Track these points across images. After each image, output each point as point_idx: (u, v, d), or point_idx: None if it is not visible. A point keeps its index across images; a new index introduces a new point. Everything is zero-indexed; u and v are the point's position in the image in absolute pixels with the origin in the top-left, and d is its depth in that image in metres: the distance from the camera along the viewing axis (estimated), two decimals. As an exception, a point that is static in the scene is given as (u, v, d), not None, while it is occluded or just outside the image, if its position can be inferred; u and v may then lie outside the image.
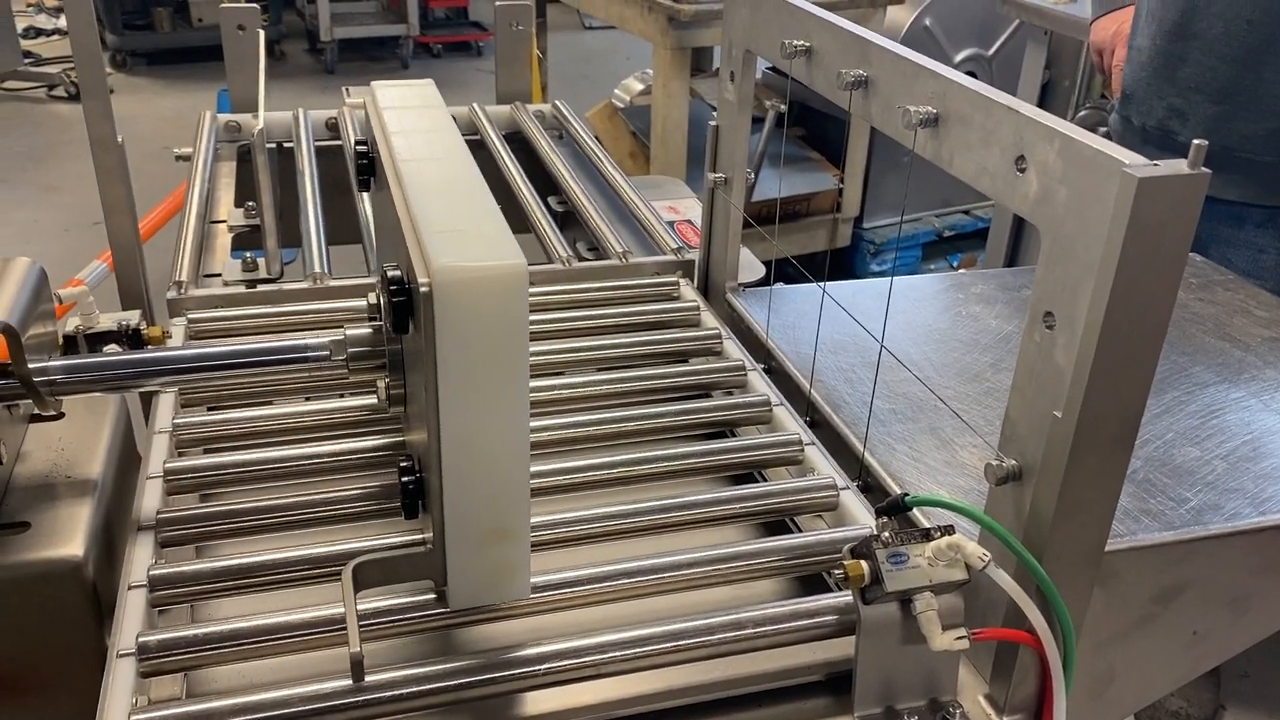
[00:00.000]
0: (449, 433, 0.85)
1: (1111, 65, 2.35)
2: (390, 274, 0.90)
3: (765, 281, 1.77)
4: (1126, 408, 0.85)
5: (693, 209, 2.19)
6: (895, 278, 1.62)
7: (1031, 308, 0.89)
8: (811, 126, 4.89)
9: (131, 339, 1.27)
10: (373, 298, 1.10)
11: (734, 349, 1.44)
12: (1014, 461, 0.93)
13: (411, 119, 1.13)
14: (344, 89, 2.41)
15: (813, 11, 1.25)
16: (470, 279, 0.81)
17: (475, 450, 0.86)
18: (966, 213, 5.00)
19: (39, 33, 8.18)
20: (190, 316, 1.46)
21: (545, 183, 2.15)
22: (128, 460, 1.24)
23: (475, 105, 2.35)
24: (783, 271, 1.76)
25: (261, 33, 1.97)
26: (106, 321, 1.27)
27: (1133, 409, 0.85)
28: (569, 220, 2.04)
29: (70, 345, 1.25)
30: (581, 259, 1.84)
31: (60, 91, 6.91)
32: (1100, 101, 5.84)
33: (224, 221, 1.88)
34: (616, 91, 5.34)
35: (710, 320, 1.52)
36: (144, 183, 6.11)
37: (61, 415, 1.12)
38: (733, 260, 1.58)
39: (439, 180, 0.98)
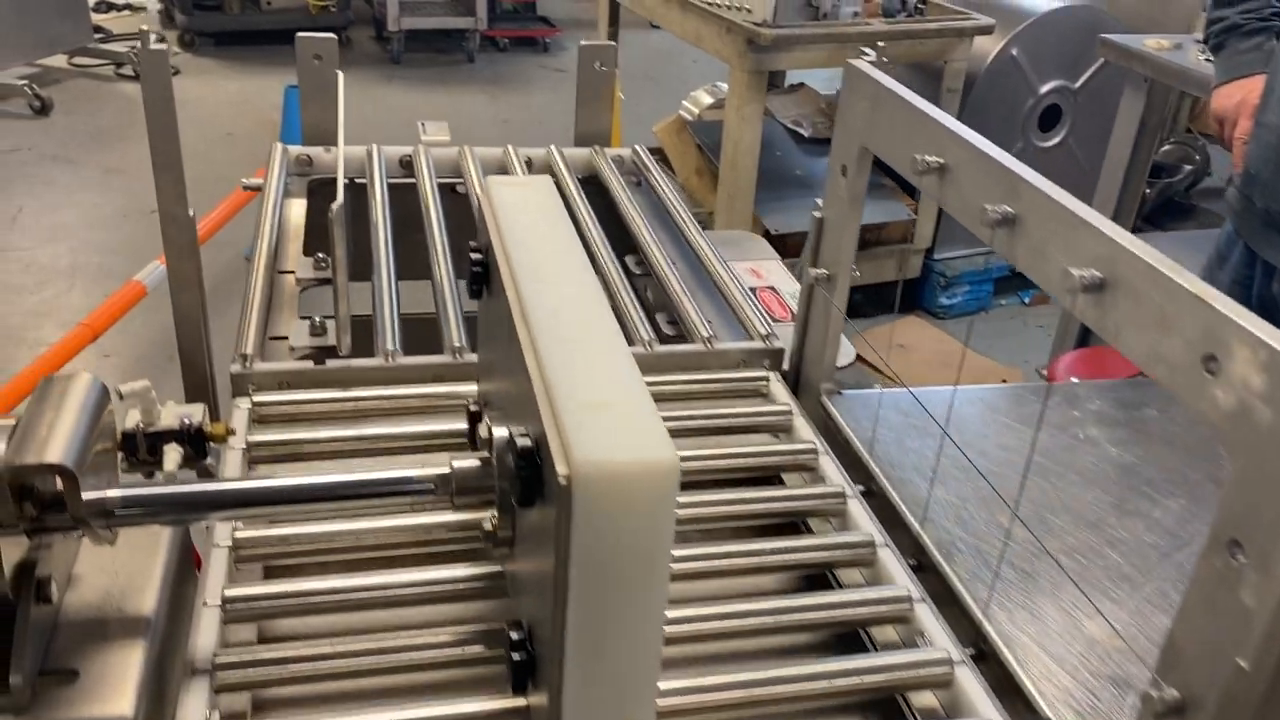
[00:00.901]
0: (576, 631, 0.76)
1: (1233, 137, 2.20)
2: (520, 442, 0.81)
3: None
4: (1328, 668, 0.74)
5: (775, 272, 2.09)
6: (999, 385, 1.51)
7: (1214, 529, 0.78)
8: (886, 152, 4.74)
9: (194, 440, 1.18)
10: (483, 431, 1.00)
11: (832, 469, 1.33)
12: (1176, 694, 0.82)
13: (532, 231, 1.04)
14: (420, 124, 2.33)
15: (946, 125, 1.14)
16: (616, 477, 0.72)
17: (603, 651, 0.77)
18: (1041, 248, 4.84)
19: (110, 6, 8.21)
20: (255, 399, 1.38)
21: (622, 237, 2.05)
22: (185, 567, 1.16)
23: (554, 148, 2.25)
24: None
25: (341, 75, 1.88)
26: (168, 417, 1.19)
27: (1334, 667, 0.74)
28: (644, 280, 1.94)
29: (129, 443, 1.17)
30: (661, 335, 1.74)
31: (128, 70, 6.91)
32: (1186, 136, 5.64)
33: (292, 272, 1.80)
34: (685, 104, 5.23)
35: (804, 430, 1.41)
36: (203, 169, 6.10)
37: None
38: (830, 361, 1.48)
39: (569, 322, 0.88)
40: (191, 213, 1.27)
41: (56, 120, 6.20)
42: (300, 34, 2.17)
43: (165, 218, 1.24)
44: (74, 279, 4.55)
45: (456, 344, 1.51)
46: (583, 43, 2.28)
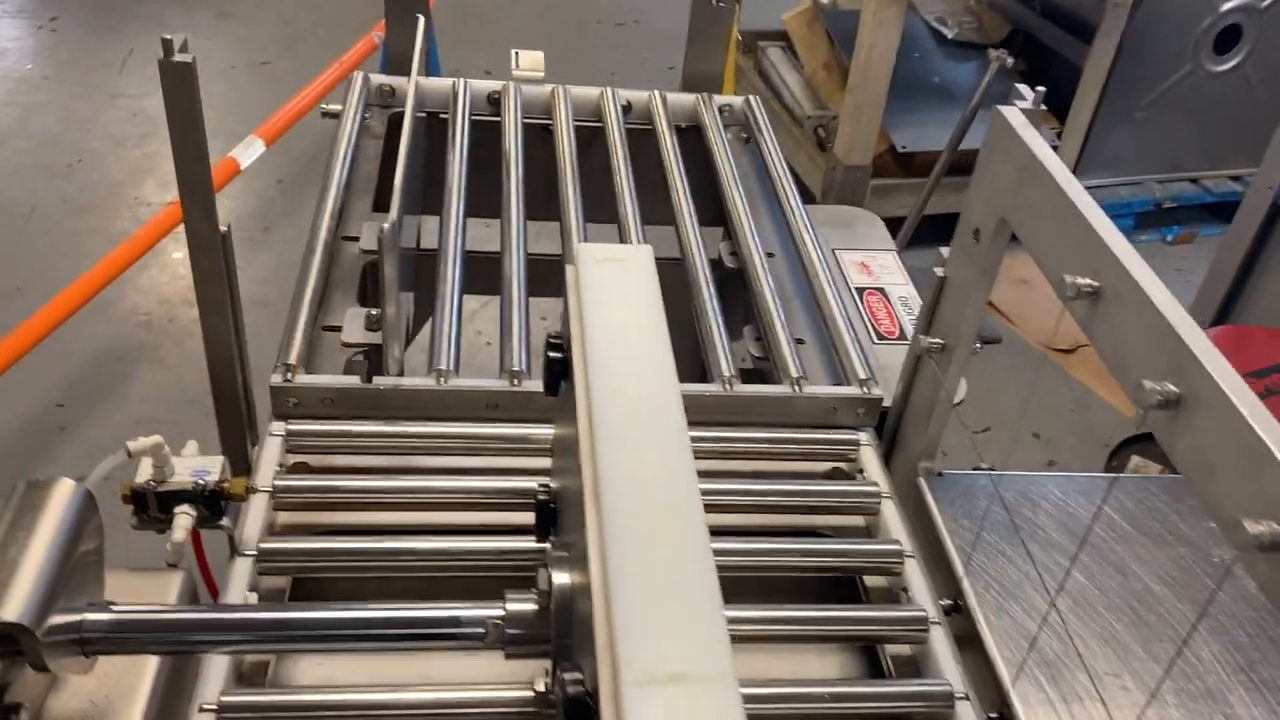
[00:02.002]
0: None
1: None
2: (570, 690, 0.68)
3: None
4: None
5: (889, 270, 1.86)
6: (1124, 474, 1.31)
7: None
8: (1034, 62, 4.31)
9: (209, 501, 1.08)
10: (543, 582, 0.87)
11: (918, 580, 1.17)
12: None
13: (620, 340, 0.87)
14: (513, 53, 2.12)
15: (1108, 241, 0.91)
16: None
17: None
18: (1194, 181, 4.40)
19: None
20: (291, 428, 1.26)
21: (716, 207, 1.86)
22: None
23: (656, 94, 2.03)
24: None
25: (421, 19, 1.68)
26: (182, 473, 1.08)
27: None
28: (734, 279, 1.75)
29: (139, 502, 1.08)
30: (747, 361, 1.57)
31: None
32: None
33: (356, 239, 1.66)
34: (822, -15, 4.82)
35: (893, 520, 1.24)
36: (315, 17, 5.73)
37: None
38: (932, 439, 1.29)
39: (651, 528, 0.73)
40: (224, 228, 1.13)
41: (174, -47, 6.05)
42: (389, -53, 1.97)
43: (193, 241, 1.10)
44: (178, 133, 4.49)
45: (516, 367, 1.37)
46: (700, -26, 2.02)
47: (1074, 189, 0.98)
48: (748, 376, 1.58)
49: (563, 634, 0.85)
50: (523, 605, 0.89)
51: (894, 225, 3.83)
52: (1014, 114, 1.09)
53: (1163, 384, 0.81)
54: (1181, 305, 0.84)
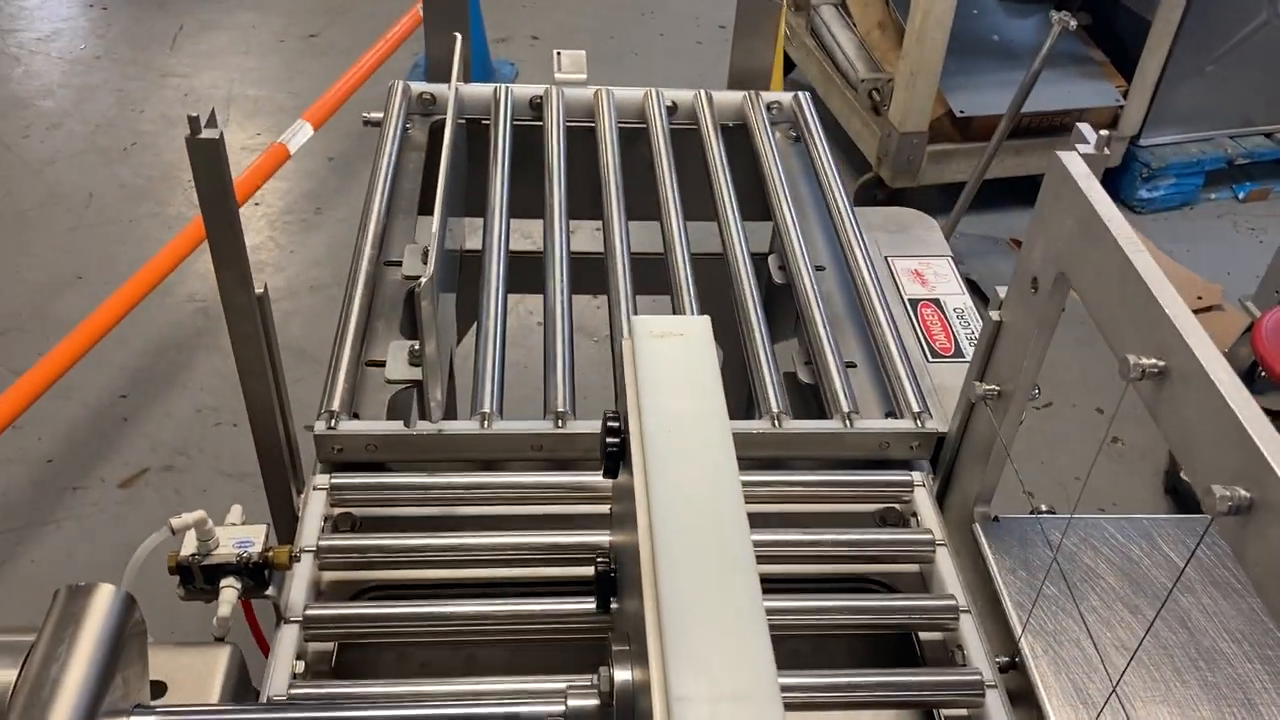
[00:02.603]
0: None
1: None
2: None
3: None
4: None
5: (945, 278, 1.80)
6: (1179, 515, 1.26)
7: None
8: (1100, 16, 4.13)
9: (253, 573, 1.08)
10: (604, 683, 0.86)
11: (973, 638, 1.14)
12: None
13: (680, 430, 0.85)
14: (555, 52, 2.08)
15: (1173, 319, 0.86)
16: None
17: None
18: (1269, 136, 4.22)
19: None
20: (335, 481, 1.26)
21: (762, 205, 1.82)
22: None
23: (701, 93, 1.97)
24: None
25: (459, 36, 1.64)
26: (226, 544, 1.08)
27: None
28: (783, 295, 1.71)
29: (184, 575, 1.08)
30: (794, 389, 1.53)
31: None
32: None
33: (399, 263, 1.64)
34: (876, -62, 4.65)
35: (947, 571, 1.20)
36: (360, 16, 5.68)
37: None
38: (989, 484, 1.25)
39: (710, 638, 0.71)
40: (260, 290, 1.12)
41: (220, -77, 6.03)
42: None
43: (229, 307, 1.09)
44: (228, 112, 4.49)
45: (560, 408, 1.35)
46: (746, -33, 1.95)
47: (1138, 255, 0.92)
48: (794, 383, 1.55)
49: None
50: (584, 701, 0.88)
51: (952, 191, 3.74)
52: (1074, 161, 1.03)
53: (1232, 489, 0.76)
54: (1254, 297, 0.79)
